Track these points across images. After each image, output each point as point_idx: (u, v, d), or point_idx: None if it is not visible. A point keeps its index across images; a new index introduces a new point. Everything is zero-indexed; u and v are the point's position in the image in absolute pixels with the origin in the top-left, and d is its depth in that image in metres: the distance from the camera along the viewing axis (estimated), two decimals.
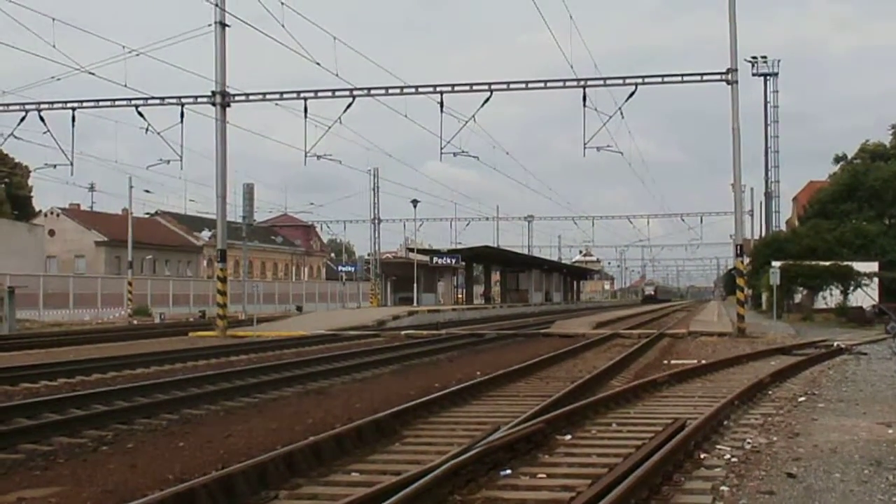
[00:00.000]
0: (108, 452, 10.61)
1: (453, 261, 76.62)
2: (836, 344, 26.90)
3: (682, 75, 35.57)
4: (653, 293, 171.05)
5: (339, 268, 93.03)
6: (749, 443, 10.54)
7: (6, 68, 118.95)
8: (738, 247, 37.31)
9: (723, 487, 8.29)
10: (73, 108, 37.52)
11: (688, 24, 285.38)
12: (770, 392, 15.65)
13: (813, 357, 22.47)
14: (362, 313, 52.78)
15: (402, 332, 35.76)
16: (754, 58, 73.21)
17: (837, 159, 77.00)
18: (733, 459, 9.55)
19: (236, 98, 37.24)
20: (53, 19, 31.46)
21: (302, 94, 36.99)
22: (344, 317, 47.82)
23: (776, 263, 49.50)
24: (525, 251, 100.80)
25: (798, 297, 54.95)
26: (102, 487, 8.59)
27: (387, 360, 22.79)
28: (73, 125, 37.55)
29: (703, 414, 11.65)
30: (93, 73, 33.66)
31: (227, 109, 36.95)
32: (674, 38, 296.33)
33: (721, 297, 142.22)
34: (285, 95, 37.42)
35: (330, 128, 37.66)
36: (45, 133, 37.24)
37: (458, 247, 79.90)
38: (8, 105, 37.50)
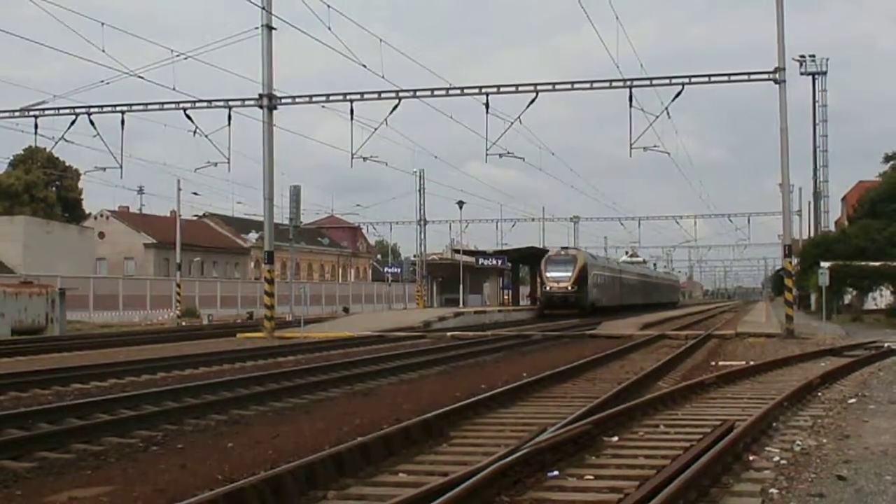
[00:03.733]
0: (159, 452, 10.72)
1: (499, 262, 76.56)
2: (886, 345, 26.59)
3: (729, 75, 35.30)
4: (566, 290, 60.49)
5: (386, 269, 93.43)
6: (798, 445, 10.45)
7: (57, 73, 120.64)
8: (787, 247, 36.90)
9: (772, 490, 8.22)
10: (123, 112, 37.96)
11: (734, 22, 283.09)
12: (819, 393, 15.51)
13: (863, 358, 22.22)
14: (408, 314, 52.90)
15: (449, 334, 35.79)
16: (802, 56, 72.41)
17: (888, 158, 75.68)
18: (782, 462, 9.47)
19: (283, 100, 37.44)
20: (102, 24, 31.81)
21: (348, 97, 37.11)
22: (390, 318, 47.95)
23: (825, 264, 48.81)
24: None
25: (848, 298, 54.38)
26: (153, 487, 8.67)
27: (433, 361, 22.83)
28: (122, 128, 38.13)
29: (752, 415, 11.55)
30: (141, 77, 34.19)
31: (274, 112, 37.19)
32: (720, 36, 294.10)
33: (769, 297, 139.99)
34: (331, 97, 37.61)
35: (376, 129, 37.78)
36: (94, 136, 37.96)
37: (504, 248, 79.81)
38: (59, 109, 38.06)
